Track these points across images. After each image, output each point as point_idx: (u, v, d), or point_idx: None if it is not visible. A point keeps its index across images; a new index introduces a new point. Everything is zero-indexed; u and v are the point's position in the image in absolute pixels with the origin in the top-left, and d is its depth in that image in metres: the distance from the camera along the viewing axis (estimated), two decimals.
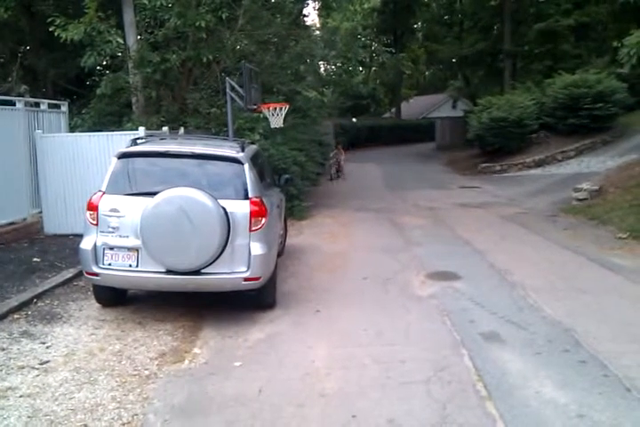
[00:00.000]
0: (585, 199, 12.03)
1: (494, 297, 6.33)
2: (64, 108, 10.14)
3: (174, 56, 11.18)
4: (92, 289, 5.99)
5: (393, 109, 44.00)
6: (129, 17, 11.58)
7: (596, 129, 18.91)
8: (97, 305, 5.94)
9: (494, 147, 20.34)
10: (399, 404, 3.96)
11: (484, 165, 20.26)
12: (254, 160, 6.24)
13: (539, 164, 18.68)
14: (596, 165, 16.49)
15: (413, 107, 43.92)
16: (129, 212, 5.35)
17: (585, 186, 12.42)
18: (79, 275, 6.60)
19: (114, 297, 5.92)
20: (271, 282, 5.86)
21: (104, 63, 13.05)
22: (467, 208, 13.08)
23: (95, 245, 5.39)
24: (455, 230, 10.37)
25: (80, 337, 5.14)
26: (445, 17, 37.33)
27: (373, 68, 42.95)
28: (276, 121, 10.22)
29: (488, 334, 5.24)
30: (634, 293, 6.46)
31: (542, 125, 19.94)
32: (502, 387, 4.18)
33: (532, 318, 5.65)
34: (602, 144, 18.78)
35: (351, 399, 4.04)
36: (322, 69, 22.00)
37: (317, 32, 18.58)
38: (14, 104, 8.70)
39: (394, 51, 32.26)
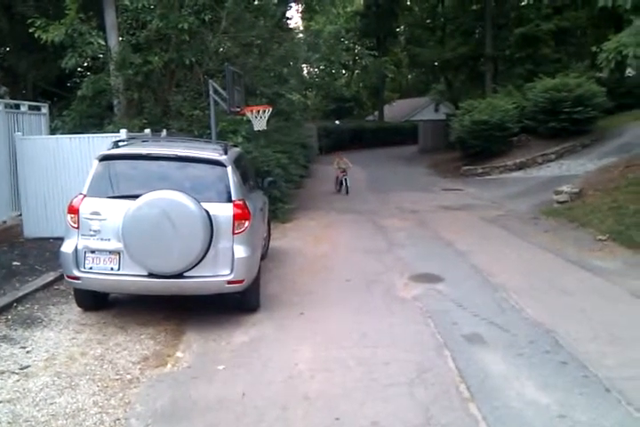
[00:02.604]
0: (565, 202, 12.16)
1: (477, 299, 6.38)
2: (44, 109, 10.03)
3: (156, 58, 11.12)
4: (73, 293, 5.93)
5: (376, 112, 44.12)
6: (110, 18, 11.50)
7: (575, 132, 19.14)
8: (78, 309, 5.87)
9: (476, 150, 20.49)
10: (383, 406, 3.98)
11: (466, 167, 20.40)
12: (237, 163, 6.22)
13: (520, 166, 18.85)
14: (576, 167, 16.68)
15: (396, 110, 44.15)
16: (110, 215, 5.31)
17: (565, 188, 12.56)
18: (60, 279, 6.53)
19: (95, 301, 5.87)
20: (255, 285, 5.85)
21: (85, 65, 12.94)
22: (449, 210, 13.17)
23: (76, 248, 5.34)
24: (438, 232, 10.43)
25: (61, 341, 5.09)
26: (428, 21, 37.49)
27: (356, 71, 43.08)
28: (260, 124, 10.22)
29: (471, 336, 5.27)
30: (614, 294, 6.55)
31: (523, 129, 20.14)
32: (485, 388, 4.22)
33: (514, 320, 5.70)
34: (581, 147, 19.00)
35: (335, 402, 4.04)
36: (305, 72, 22.04)
37: (300, 35, 18.62)
38: None
39: (377, 54, 32.39)
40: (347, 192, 16.52)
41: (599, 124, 19.86)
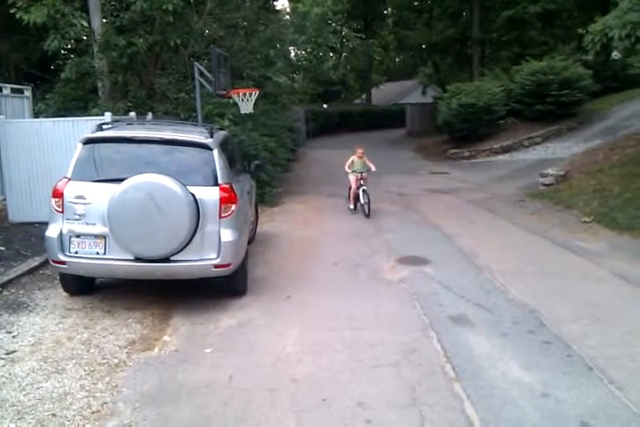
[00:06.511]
0: (551, 184, 12.26)
1: (462, 281, 6.44)
2: (27, 92, 9.87)
3: (141, 40, 10.95)
4: (58, 278, 5.90)
5: (363, 95, 43.98)
6: None
7: (561, 115, 19.21)
8: (64, 294, 5.85)
9: (463, 133, 20.49)
10: (369, 387, 4.02)
11: (452, 150, 20.42)
12: (224, 146, 6.18)
13: (506, 150, 18.90)
14: (562, 150, 16.76)
15: (384, 93, 43.98)
16: (95, 199, 5.27)
17: (551, 171, 12.65)
18: (45, 263, 6.50)
19: (81, 285, 5.85)
20: (242, 269, 5.85)
21: (68, 47, 12.73)
22: (436, 194, 13.21)
23: (61, 232, 5.31)
24: (425, 216, 10.47)
25: (47, 326, 5.07)
26: (415, 3, 37.17)
27: (344, 54, 42.79)
28: (246, 107, 10.14)
29: (456, 317, 5.33)
30: (597, 275, 6.64)
31: (510, 112, 20.15)
32: (470, 368, 4.27)
33: (499, 301, 5.76)
34: (567, 130, 19.08)
35: (322, 384, 4.08)
36: (292, 55, 21.85)
37: (287, 17, 18.38)
38: None
39: (364, 36, 32.21)
40: (367, 214, 10.46)
41: (585, 106, 19.94)
